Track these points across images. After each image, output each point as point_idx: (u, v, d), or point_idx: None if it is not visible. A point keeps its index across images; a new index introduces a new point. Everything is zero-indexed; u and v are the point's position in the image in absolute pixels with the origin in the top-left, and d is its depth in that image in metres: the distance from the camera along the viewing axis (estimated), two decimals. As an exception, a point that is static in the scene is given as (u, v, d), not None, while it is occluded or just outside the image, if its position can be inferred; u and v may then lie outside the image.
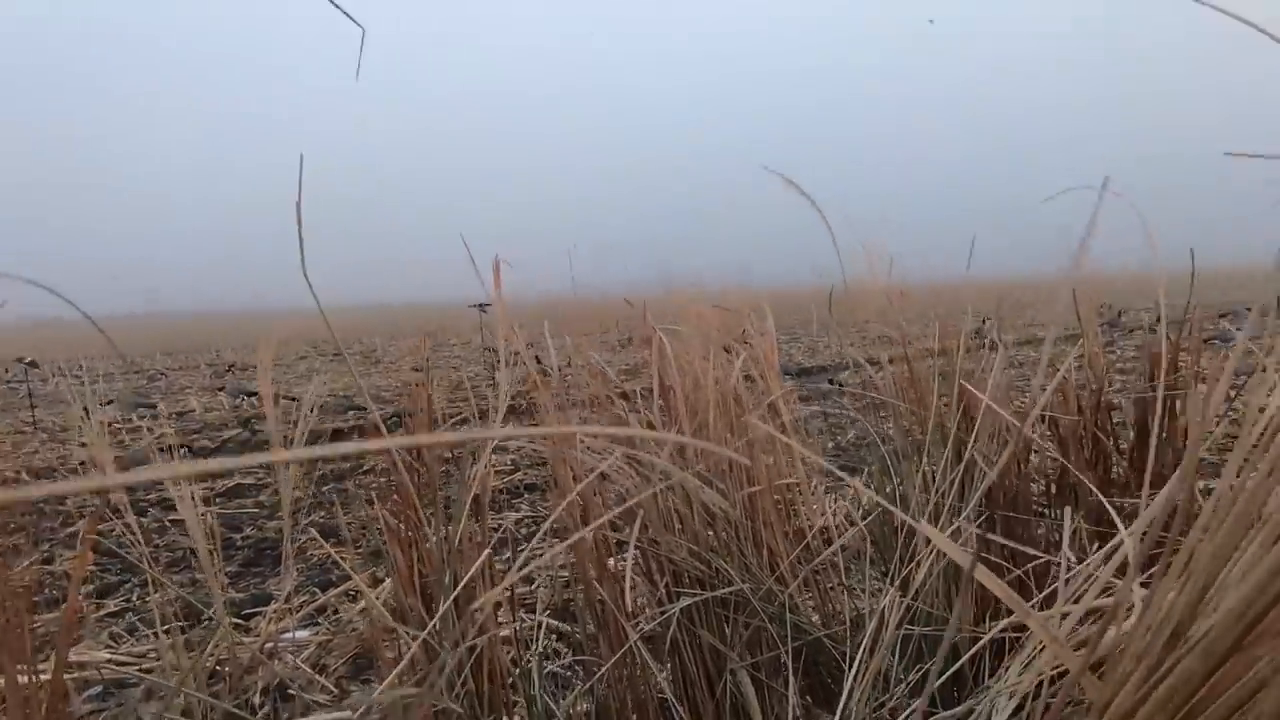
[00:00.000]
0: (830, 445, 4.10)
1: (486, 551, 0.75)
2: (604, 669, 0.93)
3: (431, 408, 0.77)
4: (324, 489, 3.92)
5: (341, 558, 3.09)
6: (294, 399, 6.54)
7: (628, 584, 0.93)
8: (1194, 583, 0.34)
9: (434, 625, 0.72)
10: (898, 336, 1.33)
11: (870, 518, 1.21)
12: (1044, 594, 0.94)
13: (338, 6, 0.67)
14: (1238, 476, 0.45)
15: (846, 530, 1.47)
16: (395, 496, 0.80)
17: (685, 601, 0.97)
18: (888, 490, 1.36)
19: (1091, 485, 1.09)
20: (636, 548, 0.96)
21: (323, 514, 3.62)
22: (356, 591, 2.66)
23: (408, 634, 0.71)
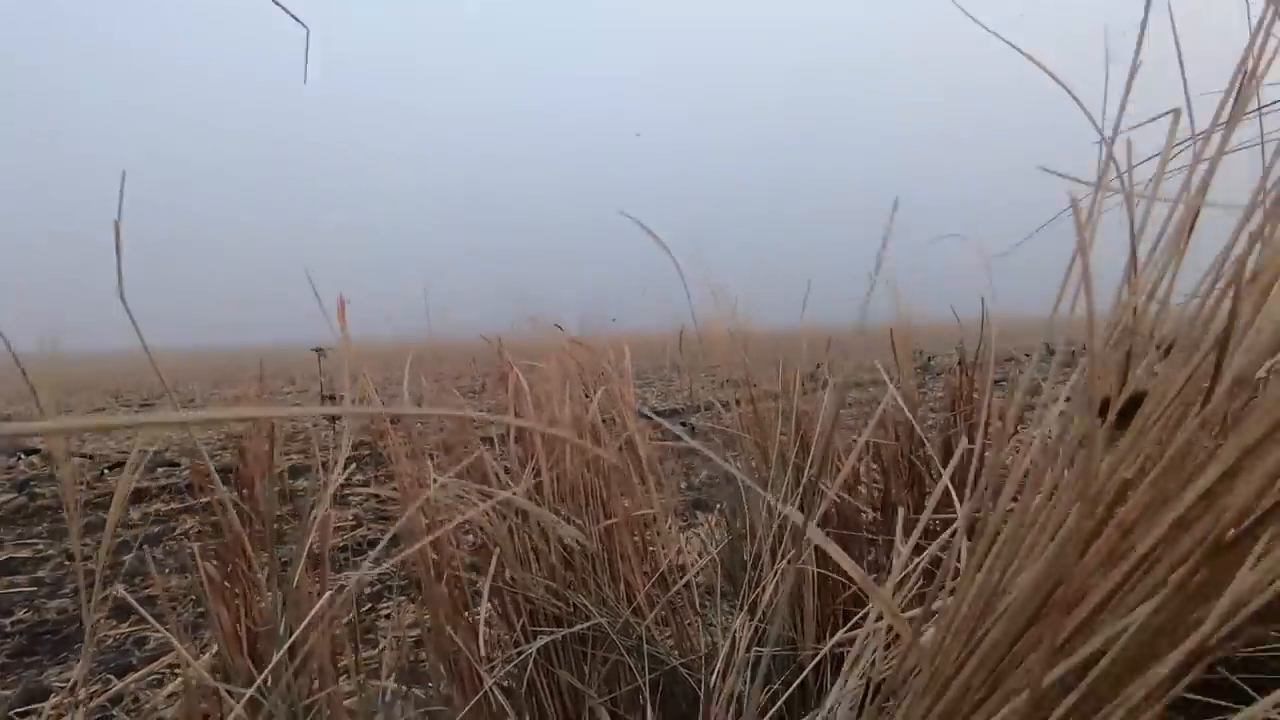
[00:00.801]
0: (684, 485, 4.22)
1: (326, 596, 0.70)
2: (459, 718, 0.88)
3: (274, 434, 0.71)
4: (123, 558, 3.43)
5: (148, 632, 2.71)
6: (90, 456, 5.70)
7: (481, 626, 0.90)
8: (1000, 560, 0.40)
9: (264, 679, 0.65)
10: (743, 378, 1.43)
11: (721, 546, 1.26)
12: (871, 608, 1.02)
13: (280, 6, 0.63)
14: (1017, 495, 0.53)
15: (700, 564, 1.52)
16: (222, 546, 0.73)
17: (543, 640, 0.95)
18: (737, 524, 1.43)
19: (909, 503, 1.22)
20: (493, 588, 0.94)
21: (126, 585, 3.15)
22: (161, 674, 2.32)
23: (232, 695, 0.63)
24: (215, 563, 0.75)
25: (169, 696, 2.21)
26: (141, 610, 0.65)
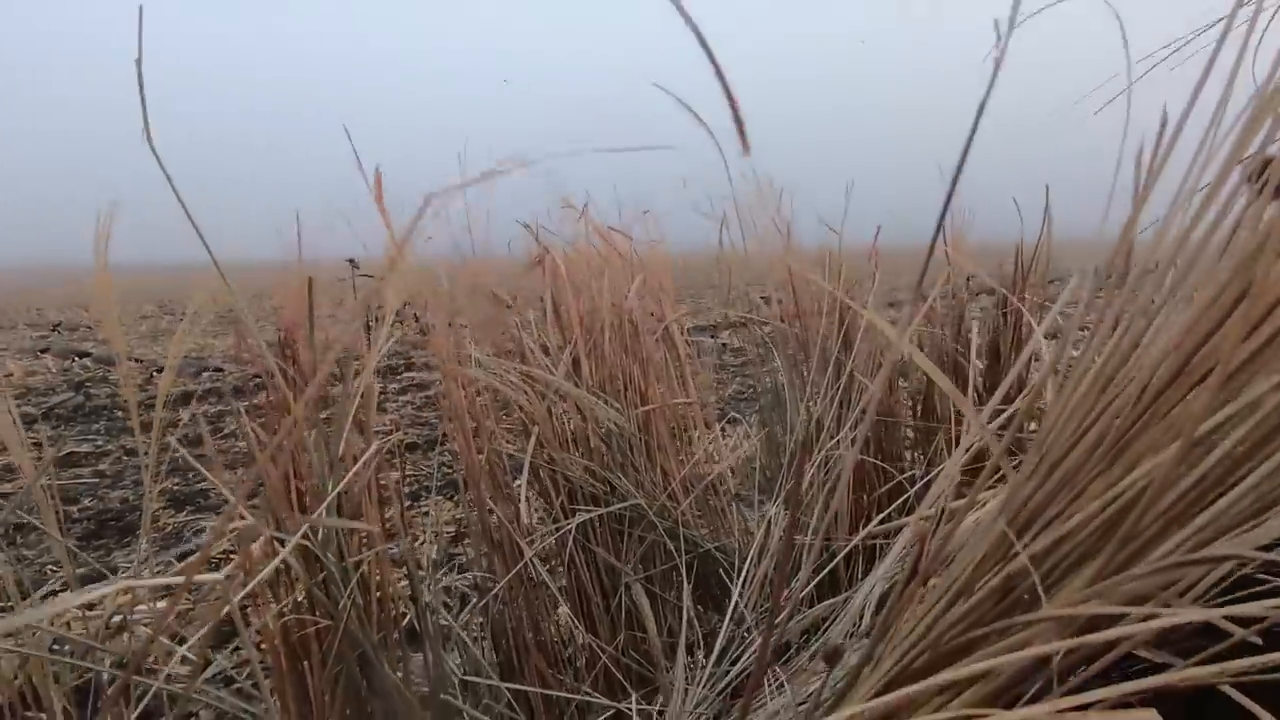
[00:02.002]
0: (714, 399, 4.24)
1: (372, 448, 0.71)
2: (499, 585, 0.91)
3: (312, 289, 0.70)
4: (177, 455, 3.59)
5: (204, 521, 2.86)
6: (139, 360, 5.91)
7: (523, 499, 0.92)
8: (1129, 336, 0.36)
9: (317, 534, 0.67)
10: (785, 273, 1.38)
11: (758, 436, 1.26)
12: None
13: None
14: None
15: (737, 453, 1.52)
16: (267, 404, 0.74)
17: (582, 517, 0.96)
18: (774, 419, 1.43)
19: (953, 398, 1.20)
20: (532, 465, 0.95)
21: (177, 480, 3.31)
22: (217, 559, 2.46)
23: (282, 538, 0.65)
24: (262, 422, 0.76)
25: (227, 578, 2.35)
26: (193, 461, 0.67)
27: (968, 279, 1.71)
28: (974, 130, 0.42)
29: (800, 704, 0.66)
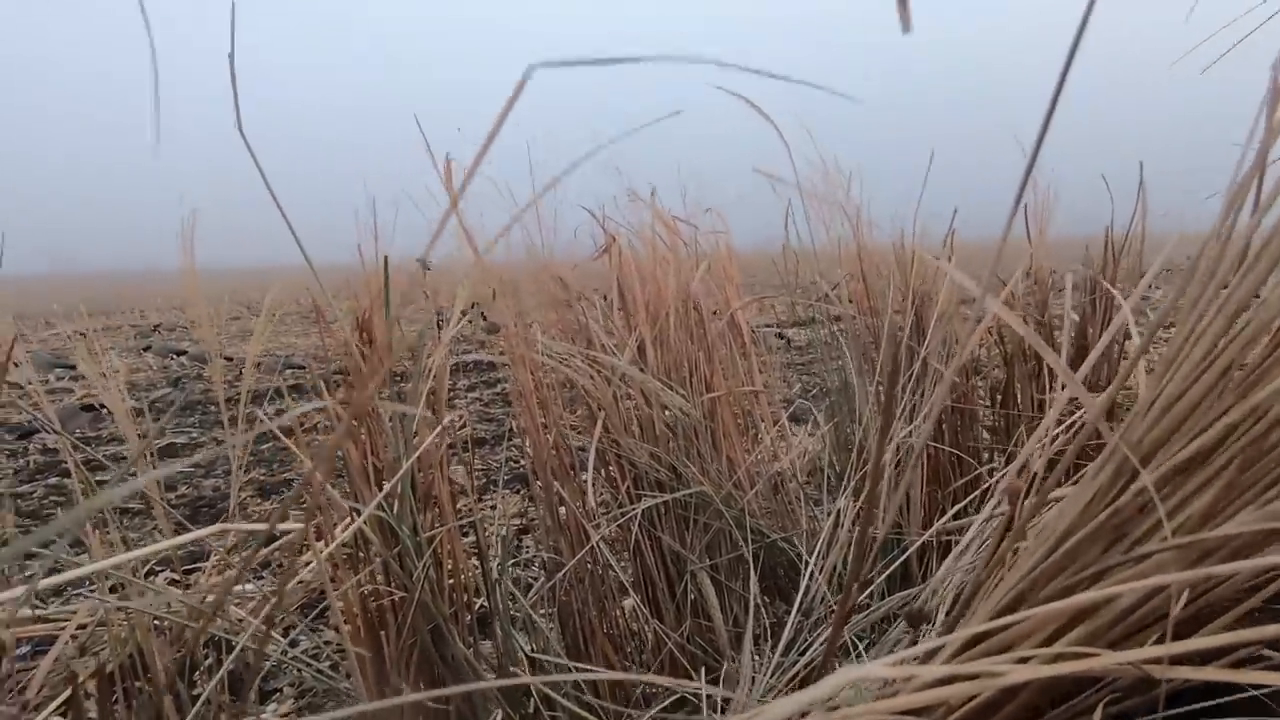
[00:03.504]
0: (779, 398, 4.17)
1: (444, 422, 0.73)
2: (566, 567, 0.92)
3: (387, 271, 0.73)
4: (262, 447, 3.79)
5: (291, 508, 3.01)
6: (230, 358, 6.27)
7: (589, 483, 0.93)
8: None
9: (392, 507, 0.69)
10: (855, 262, 1.35)
11: (827, 428, 1.23)
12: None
13: None
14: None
15: (802, 455, 1.49)
16: (347, 385, 0.77)
17: (648, 503, 0.97)
18: (844, 409, 1.39)
19: (1032, 394, 1.14)
20: (598, 450, 0.95)
21: (263, 470, 3.50)
22: (303, 545, 2.59)
23: (357, 508, 0.68)
24: (343, 402, 0.79)
25: (306, 564, 2.47)
26: (280, 434, 0.70)
27: (1050, 273, 1.62)
28: (1056, 96, 0.39)
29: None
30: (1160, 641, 0.26)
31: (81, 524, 0.83)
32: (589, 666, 0.88)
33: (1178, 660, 0.25)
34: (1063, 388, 0.44)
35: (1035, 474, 0.40)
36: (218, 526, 0.45)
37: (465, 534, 1.67)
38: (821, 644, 0.86)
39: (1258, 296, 0.31)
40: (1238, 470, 0.27)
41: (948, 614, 0.70)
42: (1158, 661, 0.23)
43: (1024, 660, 0.28)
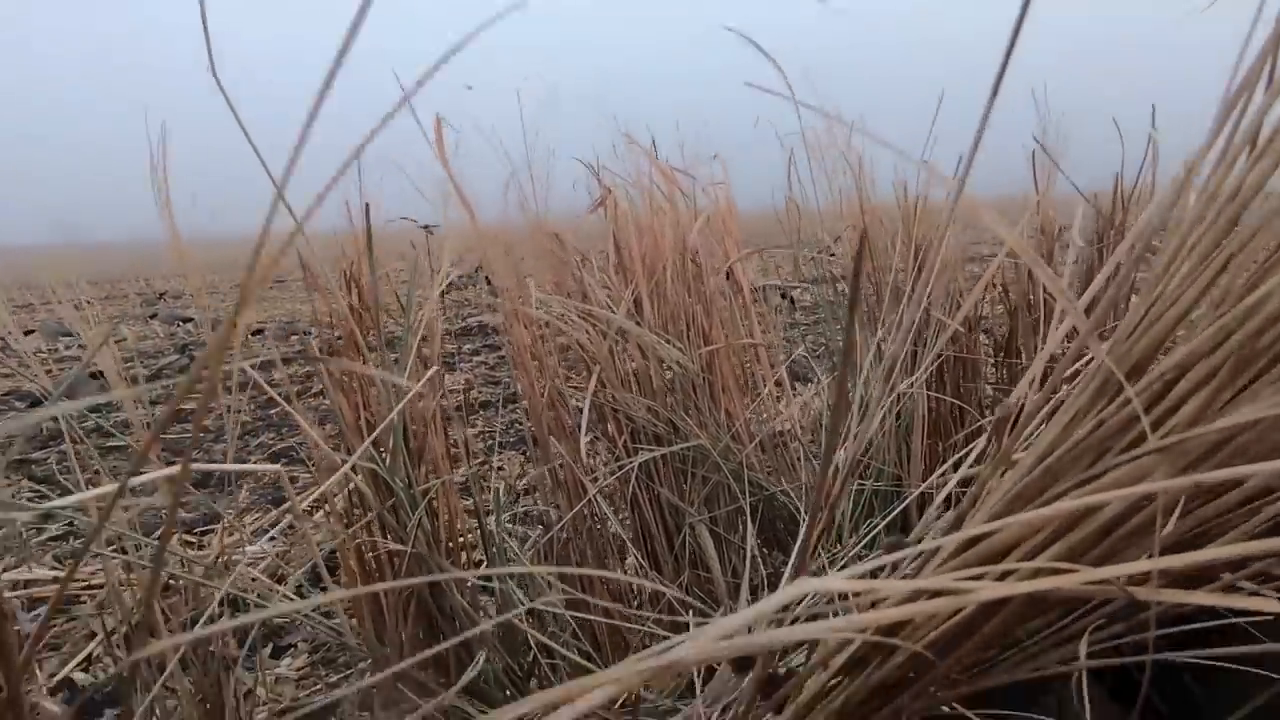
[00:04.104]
0: (780, 356, 4.16)
1: (430, 372, 0.72)
2: (564, 520, 0.92)
3: (370, 236, 0.72)
4: (270, 411, 3.82)
5: (298, 473, 3.04)
6: (235, 324, 6.29)
7: (583, 436, 0.92)
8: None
9: (382, 459, 0.69)
10: (857, 221, 1.32)
11: (828, 380, 1.22)
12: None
13: None
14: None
15: (804, 419, 1.49)
16: (337, 341, 0.76)
17: (645, 456, 0.96)
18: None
19: (1035, 347, 1.12)
20: (595, 405, 0.95)
21: (271, 435, 3.53)
22: (310, 509, 2.62)
23: (355, 472, 0.68)
24: (335, 360, 0.79)
25: (314, 527, 2.51)
26: (269, 389, 0.70)
27: (1058, 229, 1.59)
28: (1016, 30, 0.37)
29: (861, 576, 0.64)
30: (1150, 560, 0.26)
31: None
32: (587, 616, 0.90)
33: (1166, 582, 0.25)
34: (1062, 316, 0.43)
35: (1025, 404, 0.39)
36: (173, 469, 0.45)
37: (467, 495, 1.69)
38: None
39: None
40: (1231, 372, 0.26)
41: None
42: (1144, 581, 0.22)
43: (999, 578, 0.27)
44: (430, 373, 0.72)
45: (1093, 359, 0.35)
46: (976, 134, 0.34)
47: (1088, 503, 0.23)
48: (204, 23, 0.56)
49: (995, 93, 0.40)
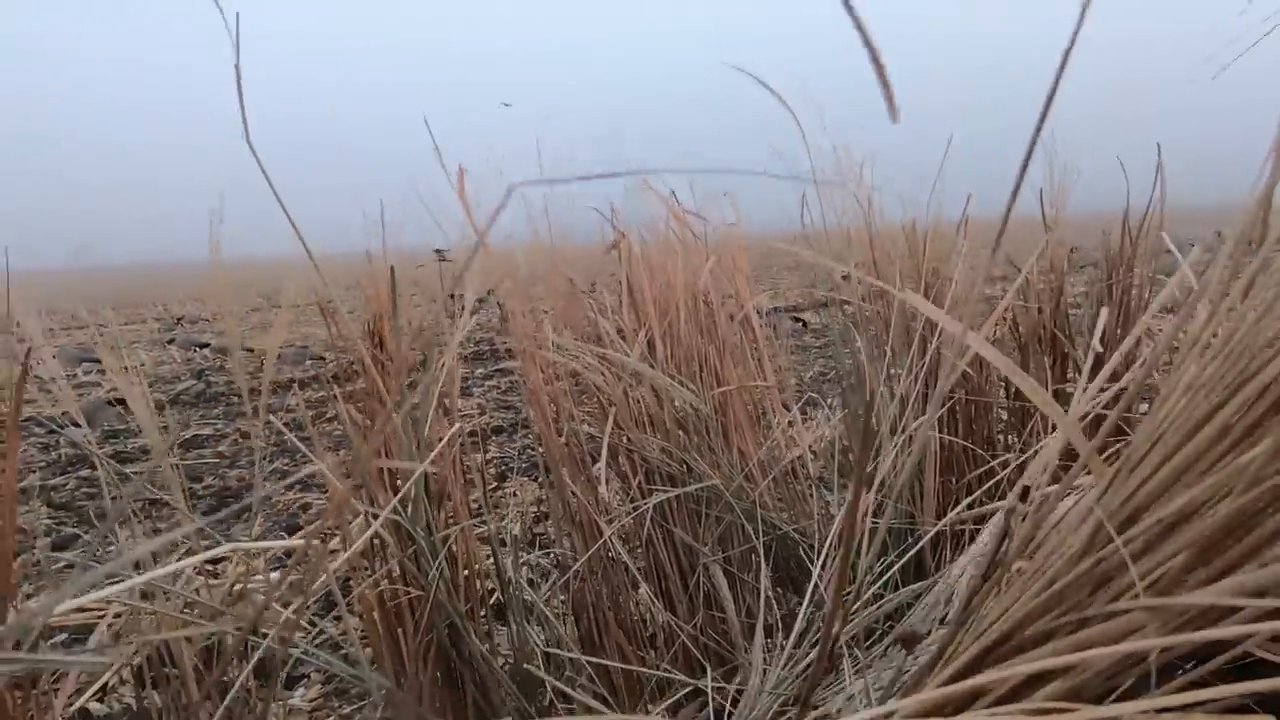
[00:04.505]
0: (793, 382, 4.16)
1: (454, 428, 0.74)
2: (579, 563, 0.93)
3: (394, 278, 0.74)
4: (285, 437, 3.85)
5: (314, 500, 3.06)
6: (251, 350, 6.36)
7: (603, 478, 0.94)
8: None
9: (406, 509, 0.71)
10: (867, 258, 1.33)
11: (839, 418, 1.23)
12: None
13: None
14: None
15: (816, 446, 1.49)
16: (360, 390, 0.78)
17: (659, 497, 0.97)
18: (855, 401, 1.39)
19: (1049, 380, 1.13)
20: (610, 446, 0.96)
21: (286, 460, 3.56)
22: (326, 534, 2.64)
23: (373, 512, 0.70)
24: (358, 406, 0.81)
25: (333, 553, 2.52)
26: (291, 436, 0.72)
27: (1069, 250, 1.59)
28: (1061, 69, 0.39)
29: (878, 689, 0.65)
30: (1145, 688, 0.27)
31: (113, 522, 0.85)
32: (603, 660, 0.90)
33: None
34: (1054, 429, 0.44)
35: (1035, 492, 0.40)
36: (230, 546, 0.47)
37: (481, 524, 1.70)
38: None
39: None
40: (1221, 531, 0.27)
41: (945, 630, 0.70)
42: (1144, 714, 0.23)
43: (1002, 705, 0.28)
44: (454, 429, 0.74)
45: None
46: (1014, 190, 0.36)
47: (1083, 658, 0.24)
48: (239, 90, 0.59)
49: (1029, 156, 0.41)
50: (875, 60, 0.25)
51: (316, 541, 0.80)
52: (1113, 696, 0.28)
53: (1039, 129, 0.43)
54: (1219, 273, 0.34)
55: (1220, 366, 0.30)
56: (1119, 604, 0.28)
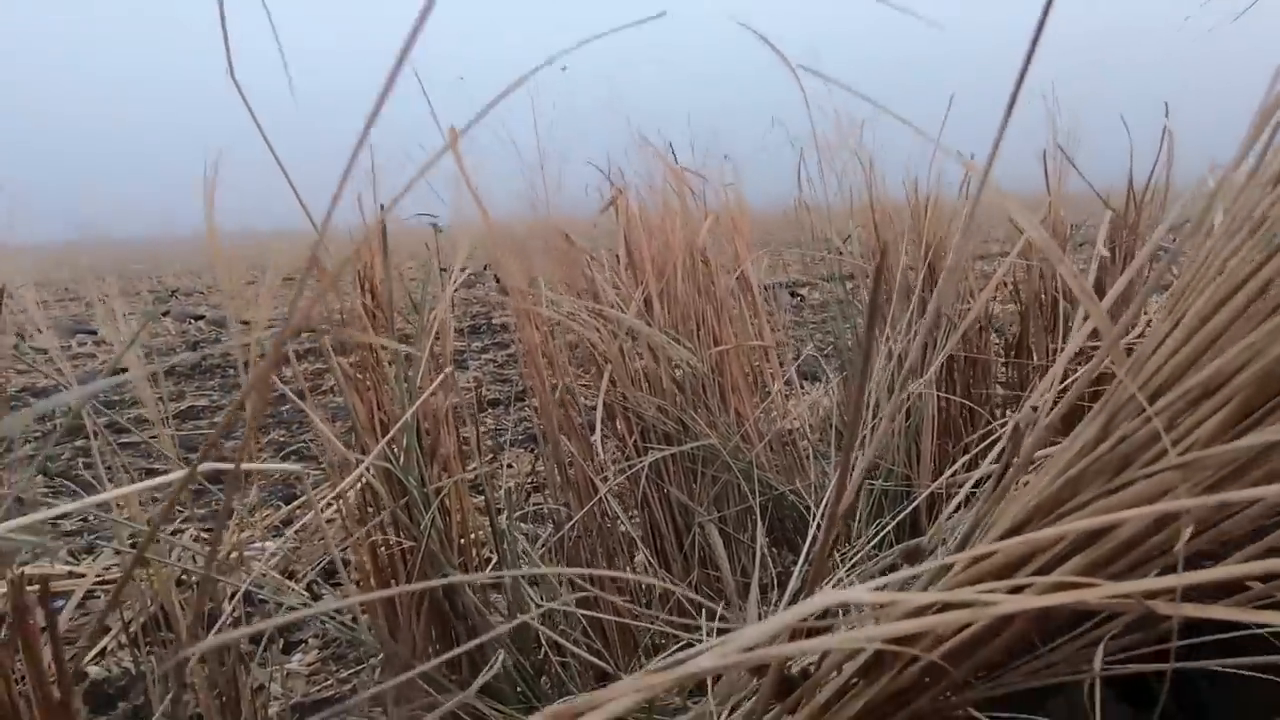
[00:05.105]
0: (790, 356, 4.15)
1: (448, 370, 0.73)
2: (574, 519, 0.93)
3: (385, 240, 0.72)
4: (282, 409, 3.84)
5: (309, 471, 3.06)
6: (247, 322, 6.33)
7: (597, 436, 0.93)
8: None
9: (397, 457, 0.70)
10: (866, 220, 1.32)
11: (836, 380, 1.22)
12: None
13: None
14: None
15: (813, 417, 1.49)
16: (353, 342, 0.77)
17: (655, 455, 0.97)
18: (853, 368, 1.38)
19: (1047, 348, 1.12)
20: (605, 404, 0.95)
21: (282, 432, 3.55)
22: (321, 505, 2.64)
23: (369, 470, 0.69)
24: (349, 358, 0.79)
25: (329, 521, 2.52)
26: (289, 392, 0.71)
27: (1071, 227, 1.58)
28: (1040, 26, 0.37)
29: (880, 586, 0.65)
30: (1168, 574, 0.26)
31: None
32: (597, 614, 0.90)
33: (1184, 595, 0.25)
34: (1084, 318, 0.42)
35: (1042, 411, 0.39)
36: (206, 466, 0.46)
37: (478, 492, 1.70)
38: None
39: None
40: (1254, 390, 0.26)
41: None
42: (1162, 594, 0.22)
43: (1018, 589, 0.27)
44: (445, 373, 0.73)
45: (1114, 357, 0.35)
46: (994, 142, 0.34)
47: (1107, 520, 0.23)
48: (223, 25, 0.57)
49: (1011, 108, 0.40)
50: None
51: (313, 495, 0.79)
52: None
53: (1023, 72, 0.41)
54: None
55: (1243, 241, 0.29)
56: (1150, 469, 0.27)
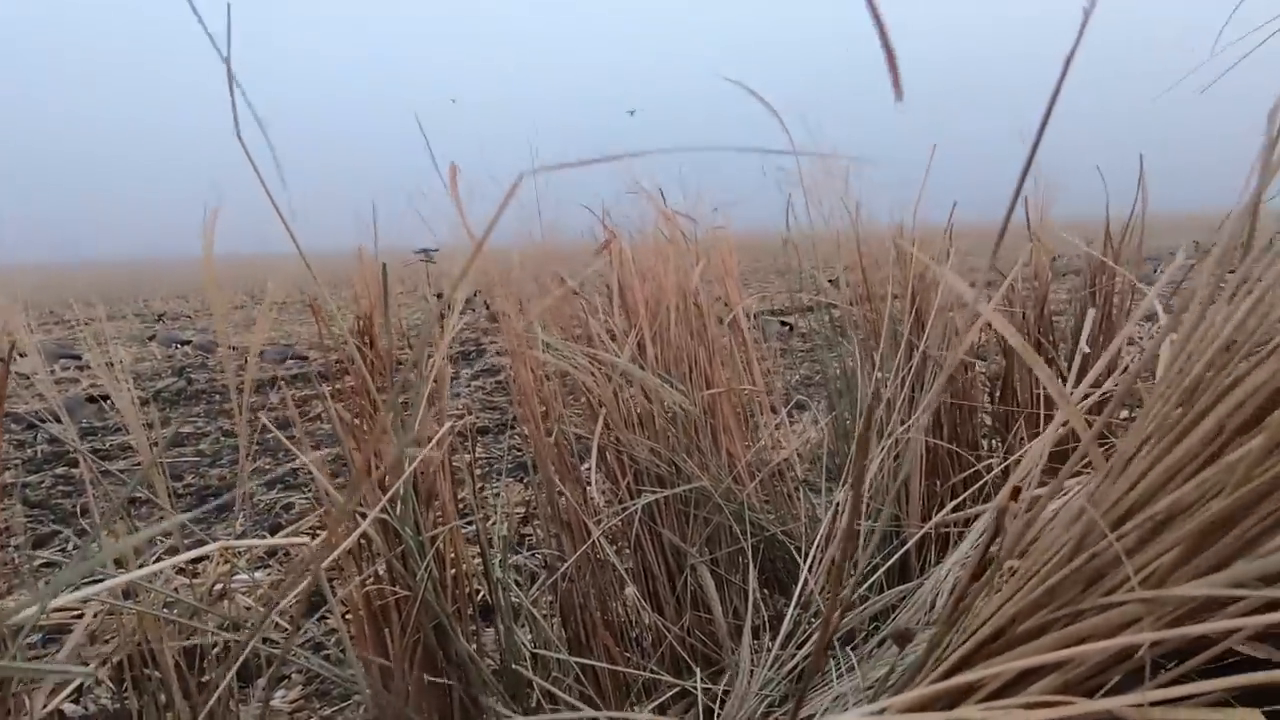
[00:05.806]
0: (779, 385, 4.17)
1: (445, 428, 0.74)
2: (568, 564, 0.93)
3: (386, 276, 0.74)
4: (268, 436, 3.81)
5: (296, 499, 3.03)
6: (234, 348, 6.28)
7: (592, 479, 0.94)
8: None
9: (394, 508, 0.70)
10: (854, 252, 1.35)
11: (826, 420, 1.23)
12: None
13: None
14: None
15: (803, 448, 1.50)
16: (349, 389, 0.78)
17: (648, 498, 0.98)
18: (843, 404, 1.40)
19: (1031, 386, 1.14)
20: (599, 447, 0.96)
21: (268, 459, 3.52)
22: (309, 532, 2.61)
23: (361, 511, 0.69)
24: (344, 405, 0.80)
25: (316, 551, 2.49)
26: (280, 435, 0.71)
27: (1052, 259, 1.62)
28: (1058, 88, 0.40)
29: (868, 687, 0.66)
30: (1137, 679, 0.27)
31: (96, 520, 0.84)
32: (590, 661, 0.90)
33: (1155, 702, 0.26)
34: (1063, 423, 0.44)
35: (1024, 490, 0.41)
36: (219, 545, 0.46)
37: (469, 524, 1.69)
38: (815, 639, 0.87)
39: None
40: (1210, 528, 0.27)
41: (934, 631, 0.71)
42: (1135, 706, 0.24)
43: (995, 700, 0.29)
44: (445, 428, 0.74)
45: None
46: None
47: (1078, 652, 0.24)
48: (232, 92, 0.58)
49: (1027, 170, 0.42)
50: (883, 37, 0.25)
51: (306, 539, 0.80)
52: (1101, 693, 0.29)
53: (1035, 146, 0.44)
54: (1205, 279, 0.35)
55: (1206, 371, 0.31)
56: (1114, 596, 0.28)
